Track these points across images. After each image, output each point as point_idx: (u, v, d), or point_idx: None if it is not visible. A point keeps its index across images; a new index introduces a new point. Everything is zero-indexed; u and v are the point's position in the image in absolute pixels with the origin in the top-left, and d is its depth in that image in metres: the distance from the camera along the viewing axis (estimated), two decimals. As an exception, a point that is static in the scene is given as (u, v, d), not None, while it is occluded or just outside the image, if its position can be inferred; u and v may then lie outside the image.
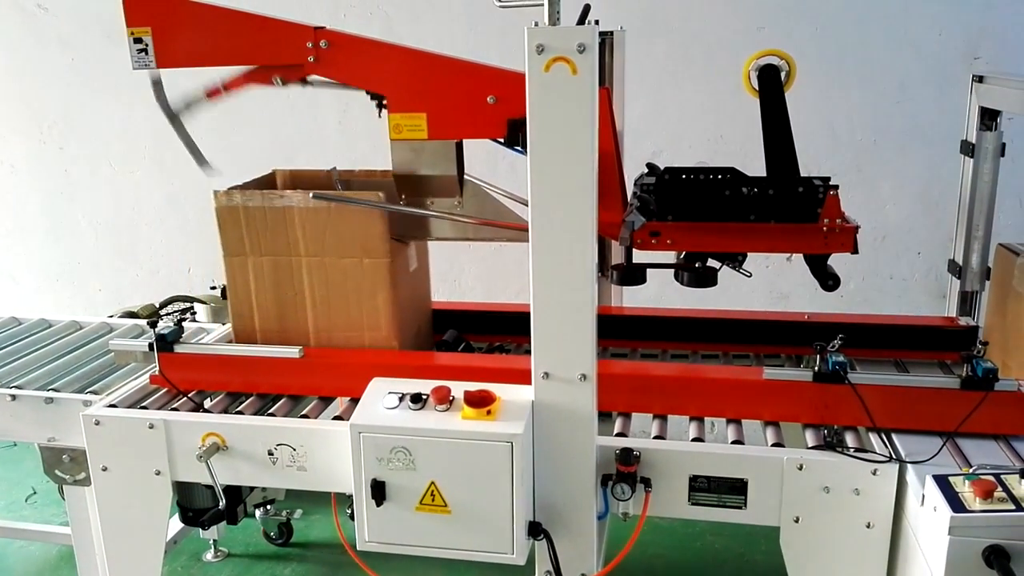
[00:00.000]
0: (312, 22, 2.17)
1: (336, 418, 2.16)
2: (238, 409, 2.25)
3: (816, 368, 1.99)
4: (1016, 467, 1.78)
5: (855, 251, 2.00)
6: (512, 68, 2.03)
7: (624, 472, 1.91)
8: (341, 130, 3.83)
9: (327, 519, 3.43)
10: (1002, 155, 2.44)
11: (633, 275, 2.17)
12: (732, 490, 1.93)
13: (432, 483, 1.88)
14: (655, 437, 2.04)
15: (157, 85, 2.27)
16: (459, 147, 2.29)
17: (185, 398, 2.29)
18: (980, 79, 2.44)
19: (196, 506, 2.35)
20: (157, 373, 2.32)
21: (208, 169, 2.33)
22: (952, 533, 1.58)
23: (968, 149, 2.48)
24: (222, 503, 2.17)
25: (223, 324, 2.75)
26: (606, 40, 2.37)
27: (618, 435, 2.07)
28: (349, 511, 2.01)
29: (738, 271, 2.11)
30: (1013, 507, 1.59)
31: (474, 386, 1.94)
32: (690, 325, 2.48)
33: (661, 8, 3.43)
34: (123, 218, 4.22)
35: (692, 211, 2.03)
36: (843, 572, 1.91)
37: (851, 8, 3.30)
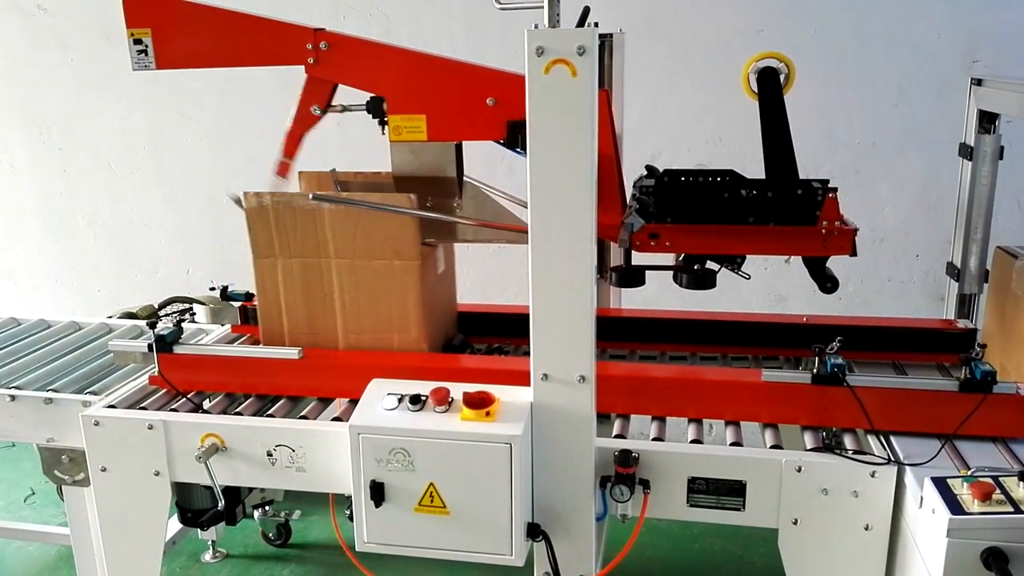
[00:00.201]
0: (311, 24, 2.17)
1: (335, 419, 2.16)
2: (237, 410, 2.25)
3: (815, 370, 1.99)
4: (1014, 469, 1.78)
5: (854, 253, 2.00)
6: (511, 70, 2.03)
7: (623, 474, 1.91)
8: (340, 131, 3.83)
9: (325, 520, 3.43)
10: (1000, 158, 2.45)
11: (632, 277, 2.18)
12: (731, 492, 1.93)
13: (431, 484, 1.88)
14: (654, 439, 2.04)
15: (238, 203, 2.28)
16: (458, 149, 2.29)
17: (184, 399, 2.29)
18: (979, 82, 2.45)
19: (195, 507, 2.35)
20: (156, 374, 2.32)
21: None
22: (950, 535, 1.58)
23: (967, 152, 2.49)
24: (221, 504, 2.17)
25: (222, 325, 2.75)
26: (605, 42, 2.37)
27: (617, 437, 2.07)
28: (348, 512, 2.01)
29: (737, 273, 2.12)
30: (1011, 509, 1.60)
31: (473, 387, 1.94)
32: (689, 327, 2.49)
33: (660, 10, 3.44)
34: (122, 219, 4.22)
35: (691, 213, 2.03)
36: (841, 574, 1.92)
37: (850, 11, 3.31)
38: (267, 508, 3.13)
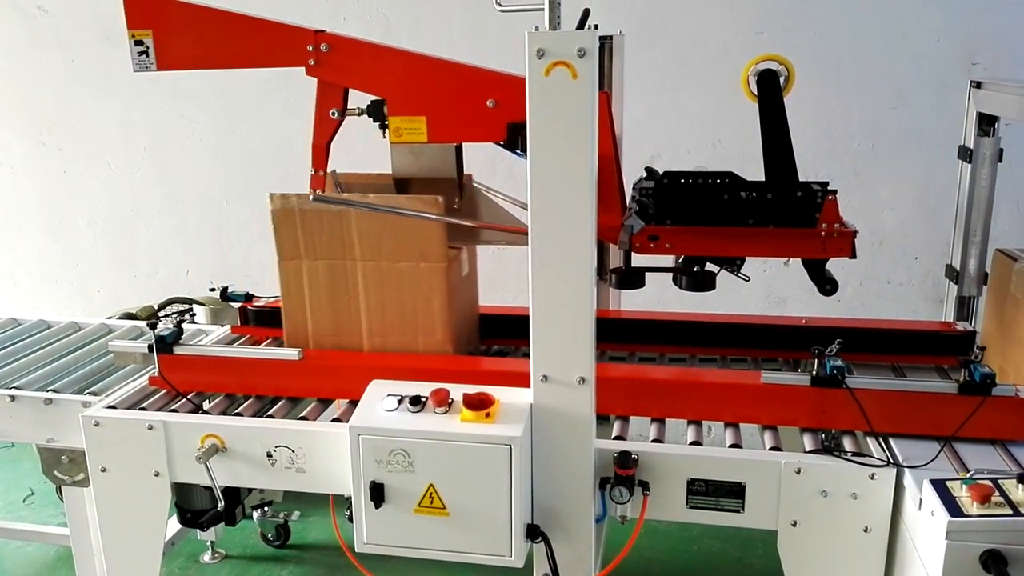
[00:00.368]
0: (312, 25, 2.17)
1: (335, 420, 2.16)
2: (237, 411, 2.25)
3: (814, 372, 2.00)
4: (1013, 472, 1.79)
5: (853, 256, 2.01)
6: (511, 72, 2.03)
7: (622, 475, 1.91)
8: (339, 132, 3.83)
9: (324, 521, 3.43)
10: (999, 160, 2.46)
11: (632, 279, 2.18)
12: (730, 494, 1.93)
13: (431, 485, 1.88)
14: (653, 440, 2.05)
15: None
16: (458, 150, 2.30)
17: (184, 399, 2.30)
18: (978, 85, 2.45)
19: (194, 507, 2.35)
20: (156, 374, 2.32)
21: None
22: (949, 537, 1.58)
23: (966, 154, 2.49)
24: (221, 505, 2.17)
25: (222, 326, 2.76)
26: (605, 44, 2.38)
27: (616, 438, 2.07)
28: (348, 513, 2.01)
29: (736, 275, 2.12)
30: (1010, 512, 1.60)
31: (473, 389, 1.94)
32: (688, 329, 2.49)
33: (660, 13, 3.44)
34: (122, 219, 4.22)
35: (691, 215, 2.03)
36: (840, 576, 1.92)
37: (849, 13, 3.31)
38: (266, 509, 3.13)
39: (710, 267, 2.12)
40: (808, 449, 1.96)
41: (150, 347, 2.31)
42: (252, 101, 3.88)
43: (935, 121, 3.30)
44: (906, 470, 1.83)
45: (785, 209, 1.98)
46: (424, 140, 2.16)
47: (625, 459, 1.91)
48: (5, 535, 3.28)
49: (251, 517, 3.11)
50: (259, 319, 2.67)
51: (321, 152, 2.24)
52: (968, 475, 1.74)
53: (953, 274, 2.60)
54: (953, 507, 1.61)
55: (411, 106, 2.13)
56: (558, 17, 1.77)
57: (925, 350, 2.38)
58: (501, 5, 1.87)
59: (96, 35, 3.96)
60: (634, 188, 2.18)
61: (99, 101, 4.06)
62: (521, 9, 1.83)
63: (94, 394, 2.39)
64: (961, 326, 2.50)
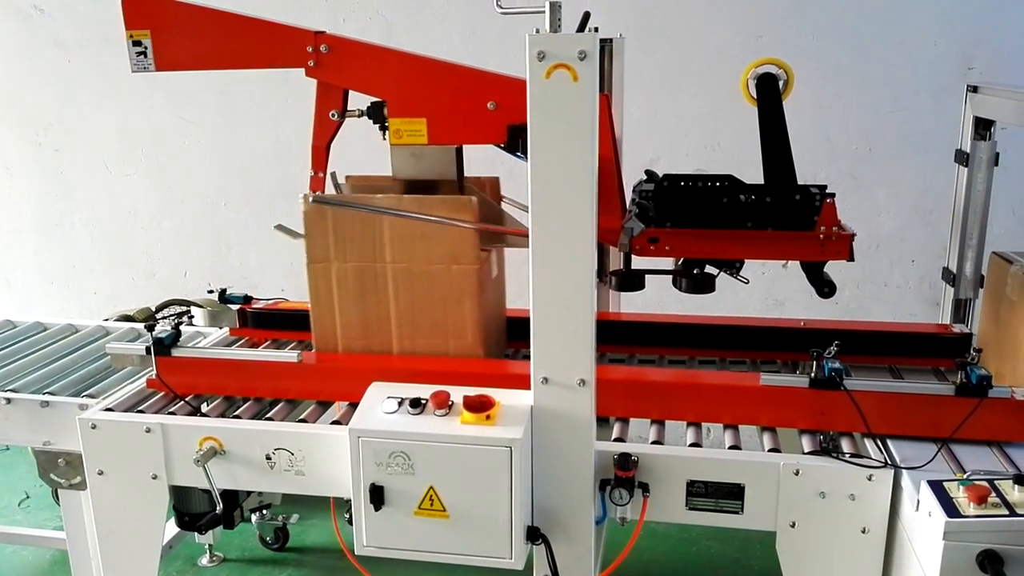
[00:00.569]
0: (311, 26, 2.17)
1: (334, 422, 2.16)
2: (236, 413, 2.25)
3: (812, 374, 2.00)
4: (1009, 473, 1.80)
5: (851, 259, 2.01)
6: (512, 74, 2.04)
7: (622, 477, 1.91)
8: (339, 133, 3.83)
9: (323, 524, 3.42)
10: (995, 164, 2.47)
11: (631, 281, 2.18)
12: (729, 495, 1.94)
13: (431, 488, 1.88)
14: (653, 442, 2.05)
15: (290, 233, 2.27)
16: (459, 152, 2.30)
17: (182, 402, 2.29)
18: (974, 89, 2.47)
19: (192, 510, 2.34)
20: (154, 377, 2.31)
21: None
22: (947, 538, 1.59)
23: (962, 158, 2.51)
24: (219, 508, 2.17)
25: (220, 328, 2.75)
26: (606, 47, 2.39)
27: (616, 440, 2.07)
28: (347, 516, 2.01)
29: (735, 278, 2.13)
30: (1007, 512, 1.61)
31: (473, 391, 1.95)
32: (687, 331, 2.49)
33: (660, 16, 3.46)
34: (119, 221, 4.21)
35: (690, 218, 2.04)
36: (839, 577, 1.92)
37: (848, 18, 3.33)
38: (264, 512, 3.13)
39: (709, 269, 2.13)
40: (807, 450, 1.97)
41: (148, 349, 2.30)
42: (251, 102, 3.88)
43: (932, 125, 3.32)
44: (904, 471, 1.84)
45: (784, 212, 1.99)
46: (424, 142, 2.16)
47: (625, 461, 1.92)
48: (0, 539, 3.26)
49: (249, 520, 3.11)
50: (258, 321, 2.67)
51: (321, 154, 2.24)
52: (965, 476, 1.74)
53: (950, 277, 2.61)
54: (950, 508, 1.62)
55: (411, 108, 2.13)
56: (559, 19, 1.77)
57: (922, 352, 2.39)
58: (502, 7, 1.88)
59: (94, 36, 3.95)
60: (634, 191, 2.18)
61: (96, 102, 4.05)
62: (522, 11, 1.84)
63: (91, 396, 2.38)
64: (958, 328, 2.51)
